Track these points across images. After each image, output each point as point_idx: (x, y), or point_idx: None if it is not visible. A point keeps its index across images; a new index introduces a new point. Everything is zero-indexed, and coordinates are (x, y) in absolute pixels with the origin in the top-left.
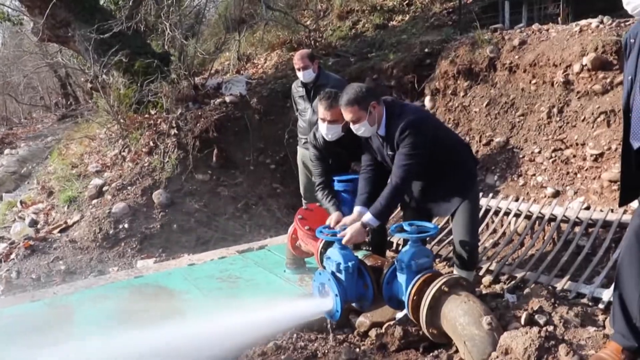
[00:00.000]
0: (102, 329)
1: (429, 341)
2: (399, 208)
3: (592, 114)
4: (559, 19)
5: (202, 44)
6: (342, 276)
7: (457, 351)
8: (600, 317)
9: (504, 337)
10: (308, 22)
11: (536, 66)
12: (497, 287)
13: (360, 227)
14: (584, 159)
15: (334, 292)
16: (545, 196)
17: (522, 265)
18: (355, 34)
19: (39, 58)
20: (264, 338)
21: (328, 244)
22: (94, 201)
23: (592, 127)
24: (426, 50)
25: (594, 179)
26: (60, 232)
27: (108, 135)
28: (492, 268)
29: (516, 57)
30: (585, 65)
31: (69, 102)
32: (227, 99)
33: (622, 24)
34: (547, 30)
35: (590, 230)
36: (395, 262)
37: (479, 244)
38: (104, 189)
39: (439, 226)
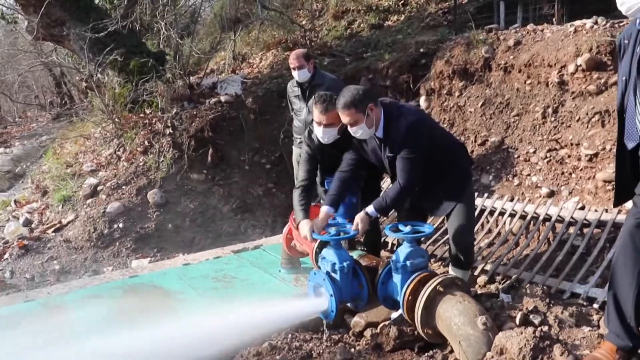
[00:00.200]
0: (97, 329)
1: (424, 341)
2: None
3: (587, 114)
4: (554, 19)
5: (198, 44)
6: (337, 276)
7: (452, 351)
8: (595, 317)
9: (499, 337)
10: (303, 22)
11: (531, 66)
12: (492, 287)
13: (365, 215)
14: (579, 159)
15: (329, 292)
16: (540, 196)
17: (517, 265)
18: (351, 33)
19: (34, 57)
20: (259, 338)
21: (323, 244)
22: (89, 201)
23: (587, 127)
24: (421, 50)
25: (589, 179)
26: (54, 231)
27: (103, 134)
28: (487, 268)
29: (511, 57)
30: (580, 65)
31: (63, 101)
32: (223, 98)
33: (617, 25)
34: (542, 30)
35: (584, 230)
36: (391, 262)
37: (474, 243)
38: (99, 188)
39: (434, 226)
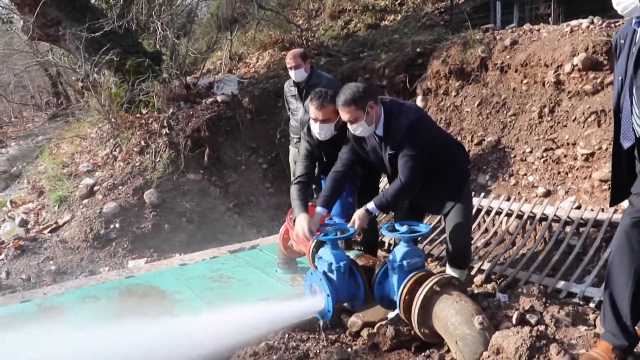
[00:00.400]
0: (93, 330)
1: (420, 341)
2: None
3: (583, 113)
4: (550, 19)
5: (194, 43)
6: (333, 276)
7: (448, 351)
8: (591, 316)
9: (496, 336)
10: (300, 22)
11: (527, 66)
12: (489, 287)
13: (364, 212)
14: (575, 159)
15: (325, 292)
16: (536, 196)
17: (513, 265)
18: (347, 33)
19: (30, 57)
20: (256, 338)
21: (320, 244)
22: (85, 201)
23: (583, 126)
24: (418, 50)
25: (585, 178)
26: (50, 232)
27: (99, 134)
28: (483, 267)
29: (507, 57)
30: (576, 65)
31: (59, 101)
32: (219, 98)
33: (612, 25)
34: (538, 30)
35: (581, 229)
36: (387, 262)
37: (471, 243)
38: (95, 188)
39: (431, 225)
